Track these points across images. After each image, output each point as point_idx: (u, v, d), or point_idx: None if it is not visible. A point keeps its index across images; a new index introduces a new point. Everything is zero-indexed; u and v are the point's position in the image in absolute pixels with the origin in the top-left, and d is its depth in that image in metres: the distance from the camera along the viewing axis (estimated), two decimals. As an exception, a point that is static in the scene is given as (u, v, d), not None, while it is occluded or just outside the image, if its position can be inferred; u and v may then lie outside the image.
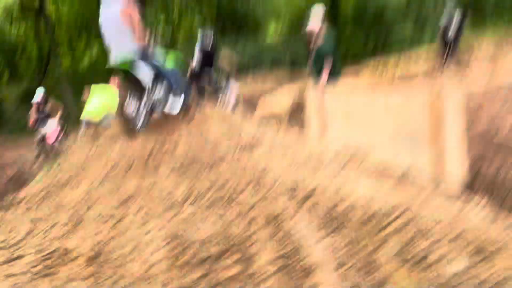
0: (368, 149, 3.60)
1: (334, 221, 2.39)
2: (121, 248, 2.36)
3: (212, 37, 6.94)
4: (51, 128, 8.59)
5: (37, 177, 4.24)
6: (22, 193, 3.76)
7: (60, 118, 8.77)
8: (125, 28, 3.77)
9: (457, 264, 1.98)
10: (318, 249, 2.17)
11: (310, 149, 3.66)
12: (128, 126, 3.97)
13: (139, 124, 4.02)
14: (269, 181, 2.88)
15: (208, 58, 6.89)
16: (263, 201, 2.66)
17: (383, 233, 2.26)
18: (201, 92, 6.84)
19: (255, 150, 3.50)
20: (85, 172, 3.74)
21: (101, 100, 6.98)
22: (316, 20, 5.40)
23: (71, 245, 2.46)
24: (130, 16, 3.70)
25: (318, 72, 5.40)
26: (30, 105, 9.05)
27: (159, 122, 4.28)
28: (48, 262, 2.29)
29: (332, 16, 20.26)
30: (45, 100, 9.03)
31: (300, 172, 3.05)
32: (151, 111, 4.10)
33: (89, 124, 6.80)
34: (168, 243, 2.32)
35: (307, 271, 2.01)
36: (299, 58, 18.28)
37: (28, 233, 2.75)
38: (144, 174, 3.38)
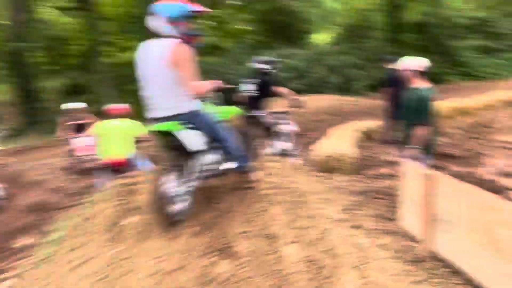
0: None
1: None
2: None
3: (274, 61, 5.77)
4: (84, 142, 7.74)
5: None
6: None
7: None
8: (174, 75, 2.72)
9: None
10: None
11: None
12: (164, 211, 2.81)
13: (179, 208, 2.90)
14: None
15: (265, 89, 5.75)
16: None
17: None
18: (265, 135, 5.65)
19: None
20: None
21: (122, 135, 5.38)
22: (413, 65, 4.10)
23: None
24: (182, 58, 2.66)
25: (407, 129, 4.12)
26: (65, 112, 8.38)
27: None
28: None
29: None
30: (84, 113, 8.34)
31: None
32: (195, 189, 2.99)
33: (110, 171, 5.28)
34: None
35: None
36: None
37: None
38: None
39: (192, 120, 2.94)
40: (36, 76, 17.97)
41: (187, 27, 2.85)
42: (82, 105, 8.59)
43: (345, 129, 7.58)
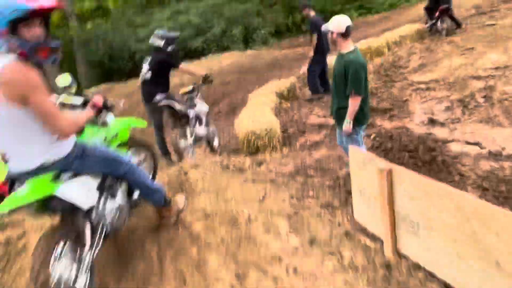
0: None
1: None
2: None
3: (170, 37, 4.72)
4: None
5: None
6: None
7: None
8: (21, 114, 1.73)
9: None
10: None
11: None
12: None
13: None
14: None
15: (161, 69, 4.74)
16: None
17: None
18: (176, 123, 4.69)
19: None
20: None
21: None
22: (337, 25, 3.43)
23: None
24: (25, 87, 1.66)
25: (339, 99, 3.54)
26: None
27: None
28: None
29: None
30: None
31: None
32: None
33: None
34: None
35: None
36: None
37: None
38: None
39: (71, 164, 2.02)
40: None
41: (24, 36, 1.78)
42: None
43: (260, 94, 6.92)
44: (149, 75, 4.80)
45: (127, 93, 11.80)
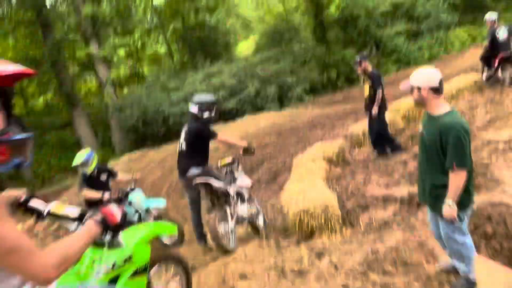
0: None
1: None
2: None
3: (205, 102, 4.08)
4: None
5: None
6: None
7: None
8: None
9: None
10: None
11: None
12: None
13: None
14: None
15: (196, 140, 4.05)
16: None
17: None
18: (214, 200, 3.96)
19: None
20: None
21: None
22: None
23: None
24: None
25: (432, 175, 2.58)
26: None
27: None
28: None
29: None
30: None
31: None
32: None
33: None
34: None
35: None
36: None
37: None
38: None
39: None
40: None
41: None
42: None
43: (305, 159, 6.08)
44: (184, 146, 4.14)
45: (159, 159, 11.29)
